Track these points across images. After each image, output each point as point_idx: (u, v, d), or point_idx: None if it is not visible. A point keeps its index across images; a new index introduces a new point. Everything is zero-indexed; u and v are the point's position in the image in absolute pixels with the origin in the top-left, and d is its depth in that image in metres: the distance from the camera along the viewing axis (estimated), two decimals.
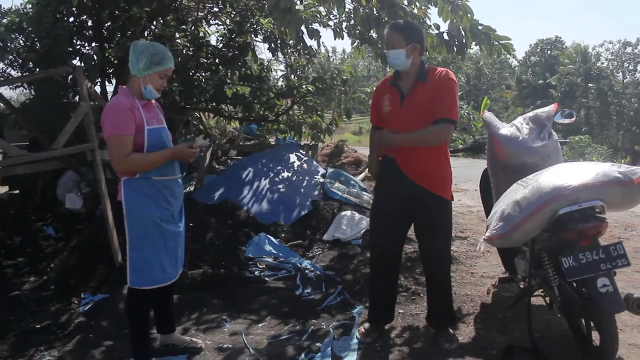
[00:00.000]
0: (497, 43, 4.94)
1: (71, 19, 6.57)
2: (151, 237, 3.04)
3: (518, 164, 3.57)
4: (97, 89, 6.60)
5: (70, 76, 6.17)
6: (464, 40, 5.07)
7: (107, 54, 6.59)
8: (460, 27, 4.93)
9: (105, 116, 2.98)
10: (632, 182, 2.81)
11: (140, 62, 3.00)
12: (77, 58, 6.45)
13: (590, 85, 46.75)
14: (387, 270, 3.57)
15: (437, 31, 5.18)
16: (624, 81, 51.84)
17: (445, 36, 5.13)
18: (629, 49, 52.51)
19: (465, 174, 10.63)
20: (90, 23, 6.73)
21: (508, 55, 5.27)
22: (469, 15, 4.74)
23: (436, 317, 3.54)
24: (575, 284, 3.00)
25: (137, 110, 3.00)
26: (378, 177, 3.61)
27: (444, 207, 3.39)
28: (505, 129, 3.72)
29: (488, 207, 4.11)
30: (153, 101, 3.22)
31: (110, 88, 6.92)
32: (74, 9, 6.18)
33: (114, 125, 2.94)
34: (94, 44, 6.68)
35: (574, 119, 3.96)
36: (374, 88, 3.78)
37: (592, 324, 2.99)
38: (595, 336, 2.95)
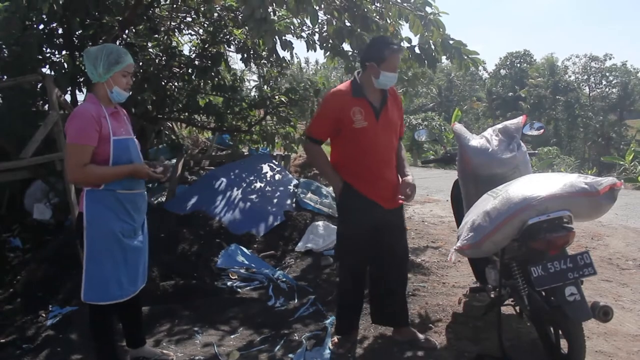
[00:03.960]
0: (466, 57, 5.02)
1: (41, 27, 6.47)
2: (111, 251, 2.96)
3: (488, 175, 3.62)
4: (68, 97, 6.51)
5: (40, 84, 6.07)
6: (434, 54, 5.14)
7: (77, 63, 6.51)
8: (431, 41, 4.99)
9: (70, 122, 2.90)
10: (597, 192, 2.88)
11: (99, 67, 2.93)
12: (47, 66, 6.35)
13: (558, 97, 47.72)
14: (360, 284, 3.61)
15: (408, 45, 5.25)
16: (590, 94, 53.07)
17: (417, 50, 5.19)
18: (594, 64, 53.83)
19: (437, 184, 10.73)
20: (60, 31, 6.64)
21: (480, 68, 5.36)
22: (440, 29, 4.81)
23: (404, 314, 3.66)
24: (544, 293, 3.05)
25: (103, 119, 2.93)
26: (342, 198, 3.47)
27: (402, 211, 3.62)
28: (475, 141, 3.77)
29: (459, 217, 4.15)
30: (120, 111, 3.15)
31: (80, 97, 6.83)
32: (44, 16, 6.09)
33: (76, 133, 2.87)
34: (64, 52, 6.59)
35: (542, 130, 4.05)
36: (322, 100, 3.52)
37: (560, 332, 3.05)
38: (564, 344, 3.00)
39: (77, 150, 2.86)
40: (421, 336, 3.60)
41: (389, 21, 5.03)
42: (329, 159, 3.51)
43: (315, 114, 3.45)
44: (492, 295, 3.73)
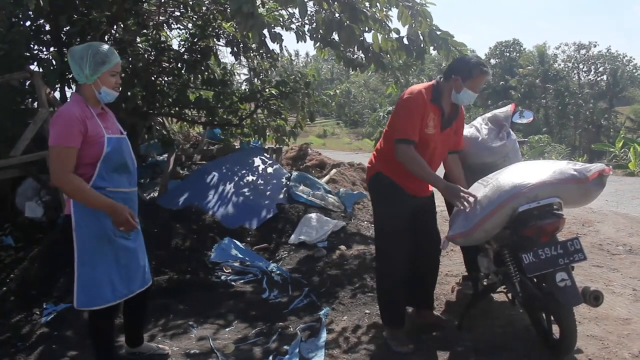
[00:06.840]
0: (453, 48, 5.02)
1: (28, 23, 6.41)
2: (102, 252, 2.86)
3: (478, 163, 3.65)
4: (57, 94, 6.47)
5: (28, 82, 6.03)
6: (422, 45, 5.14)
7: (66, 59, 6.44)
8: (419, 32, 4.99)
9: (54, 123, 2.77)
10: (587, 179, 2.91)
11: (85, 68, 2.81)
12: (35, 63, 6.30)
13: (548, 86, 47.83)
14: (406, 271, 3.57)
15: (397, 35, 5.24)
16: (580, 82, 53.19)
17: (405, 41, 5.19)
18: (582, 52, 53.94)
19: None
20: (48, 27, 6.57)
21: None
22: (428, 20, 4.80)
23: (430, 297, 3.80)
24: (535, 279, 3.09)
25: (89, 120, 2.82)
26: (381, 194, 3.55)
27: (433, 197, 3.73)
28: (465, 130, 3.79)
29: (451, 206, 4.18)
30: (108, 112, 3.06)
31: (70, 94, 6.78)
32: (31, 12, 6.04)
33: (60, 135, 2.73)
34: (52, 49, 6.53)
35: (531, 118, 4.07)
36: (409, 98, 3.29)
37: (552, 317, 3.09)
38: (556, 329, 3.04)
39: (61, 153, 2.73)
40: (444, 318, 3.80)
41: (378, 6, 5.01)
42: (380, 151, 3.53)
43: (399, 114, 3.33)
44: (485, 283, 3.76)
